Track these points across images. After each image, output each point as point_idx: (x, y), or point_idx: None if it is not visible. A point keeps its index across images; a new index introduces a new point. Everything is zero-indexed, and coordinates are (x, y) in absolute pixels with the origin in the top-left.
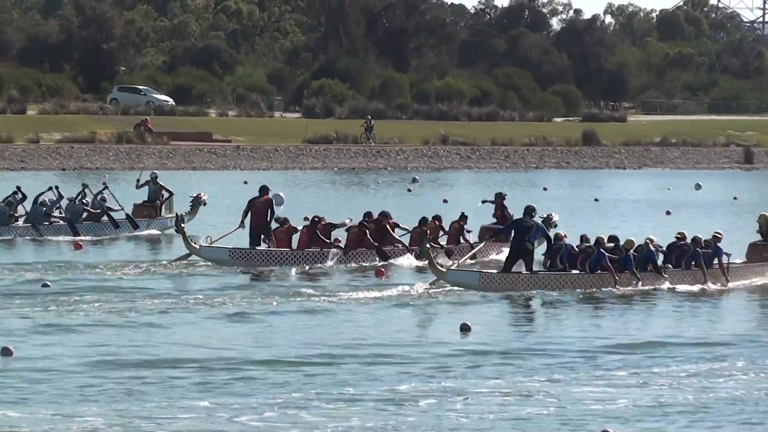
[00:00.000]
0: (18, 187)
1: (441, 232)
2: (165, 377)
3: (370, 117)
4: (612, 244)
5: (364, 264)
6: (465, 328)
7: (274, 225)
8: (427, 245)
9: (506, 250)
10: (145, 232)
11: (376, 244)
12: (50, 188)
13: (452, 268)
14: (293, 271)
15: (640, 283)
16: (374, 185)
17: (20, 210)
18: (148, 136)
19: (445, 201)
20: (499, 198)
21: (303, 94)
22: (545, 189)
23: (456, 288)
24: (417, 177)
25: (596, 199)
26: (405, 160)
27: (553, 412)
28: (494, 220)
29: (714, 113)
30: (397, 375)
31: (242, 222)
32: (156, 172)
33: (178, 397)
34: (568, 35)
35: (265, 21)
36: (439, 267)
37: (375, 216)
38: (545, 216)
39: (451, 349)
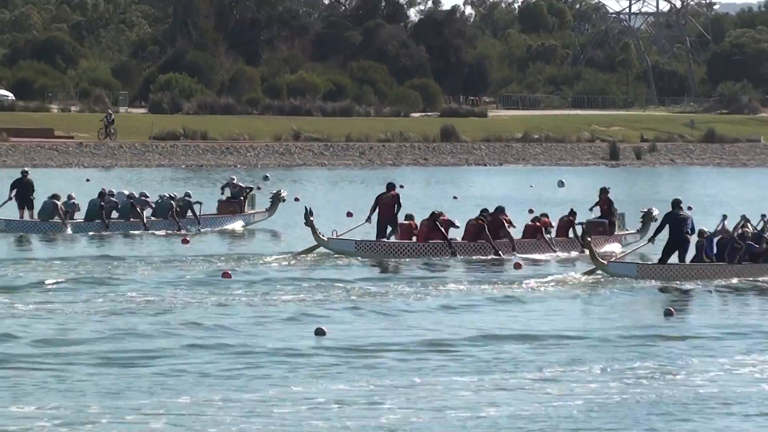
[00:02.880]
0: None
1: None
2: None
3: (110, 111)
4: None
5: (482, 257)
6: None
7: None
8: (588, 238)
9: (612, 243)
10: (230, 227)
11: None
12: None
13: (612, 260)
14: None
15: None
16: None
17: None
18: None
19: (455, 197)
20: (605, 193)
21: (149, 88)
22: (402, 186)
23: (616, 278)
24: (268, 175)
25: (455, 197)
26: (256, 158)
27: None
28: (598, 215)
29: (578, 108)
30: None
31: (369, 217)
32: (234, 177)
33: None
34: (427, 27)
35: (111, 13)
36: (600, 259)
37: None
38: (645, 210)
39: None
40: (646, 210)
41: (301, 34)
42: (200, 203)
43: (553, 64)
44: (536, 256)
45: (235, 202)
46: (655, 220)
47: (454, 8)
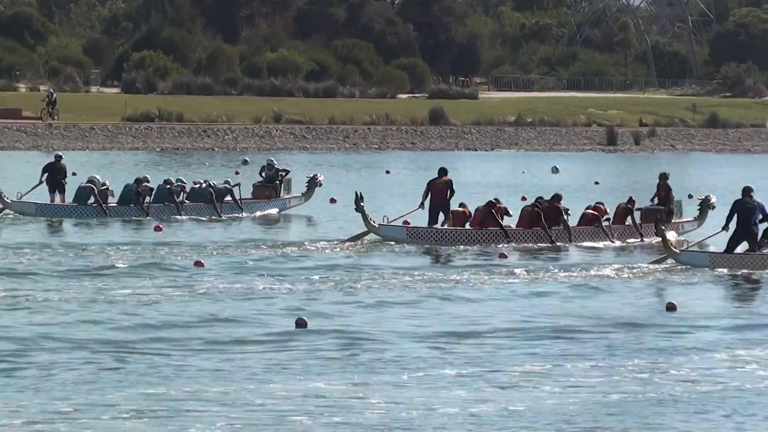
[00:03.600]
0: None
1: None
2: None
3: (52, 90)
4: None
5: (536, 245)
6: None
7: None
8: (662, 226)
9: (670, 231)
10: (266, 212)
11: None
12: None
13: (684, 249)
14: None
15: None
16: (203, 167)
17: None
18: None
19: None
20: (664, 179)
21: (122, 67)
22: (388, 172)
23: (687, 267)
24: (248, 159)
25: None
26: (234, 141)
27: None
28: (656, 202)
29: (574, 90)
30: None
31: (422, 203)
32: (273, 159)
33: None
34: (415, 3)
35: None
36: (673, 248)
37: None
38: (703, 197)
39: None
40: (703, 197)
41: (283, 10)
42: (239, 185)
43: (547, 44)
44: (593, 243)
45: (270, 187)
46: (713, 207)
47: None
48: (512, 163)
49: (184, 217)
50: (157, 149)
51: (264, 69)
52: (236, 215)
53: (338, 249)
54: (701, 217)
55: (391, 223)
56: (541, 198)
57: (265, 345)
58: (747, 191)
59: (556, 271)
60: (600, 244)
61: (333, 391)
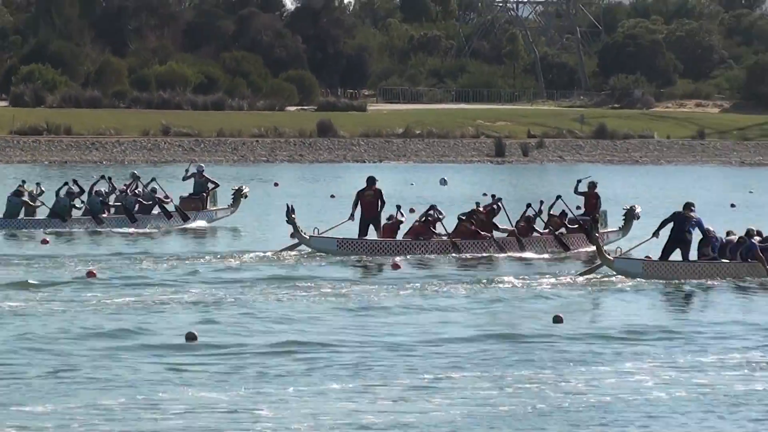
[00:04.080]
0: (74, 180)
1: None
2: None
3: None
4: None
5: (468, 255)
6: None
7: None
8: (597, 234)
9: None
10: (194, 225)
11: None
12: (102, 177)
13: (617, 256)
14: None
15: None
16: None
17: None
18: None
19: (332, 196)
20: (593, 187)
21: (11, 80)
22: (276, 185)
23: (619, 275)
24: (136, 172)
25: (332, 196)
26: (122, 153)
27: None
28: (582, 211)
29: (462, 102)
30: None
31: (352, 214)
32: (203, 165)
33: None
34: (303, 16)
35: None
36: (606, 255)
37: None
38: (628, 208)
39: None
40: (628, 207)
41: (171, 22)
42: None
43: (436, 56)
44: (527, 254)
45: (197, 199)
46: (638, 217)
47: None
48: (401, 175)
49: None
50: (46, 162)
51: (152, 82)
52: (162, 227)
53: (266, 260)
54: (626, 227)
55: (322, 235)
56: (475, 210)
57: (154, 357)
58: (688, 206)
59: (453, 283)
60: (531, 255)
61: (218, 403)
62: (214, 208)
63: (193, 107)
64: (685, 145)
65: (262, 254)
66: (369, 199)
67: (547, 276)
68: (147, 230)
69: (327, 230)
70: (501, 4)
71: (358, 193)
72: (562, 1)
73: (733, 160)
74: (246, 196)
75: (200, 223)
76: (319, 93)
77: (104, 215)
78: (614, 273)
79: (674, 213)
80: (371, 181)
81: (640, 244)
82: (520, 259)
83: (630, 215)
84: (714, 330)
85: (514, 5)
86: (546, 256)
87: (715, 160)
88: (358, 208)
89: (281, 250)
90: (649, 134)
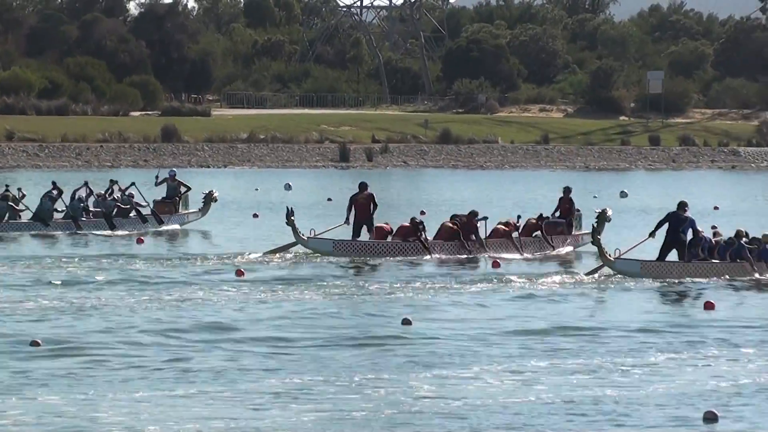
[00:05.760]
0: (54, 183)
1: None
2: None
3: None
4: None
5: (456, 256)
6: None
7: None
8: (598, 236)
9: (569, 244)
10: (168, 227)
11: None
12: (85, 183)
13: (617, 257)
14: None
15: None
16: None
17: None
18: None
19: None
20: (567, 192)
21: None
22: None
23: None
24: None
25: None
26: None
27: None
28: (558, 215)
29: (306, 107)
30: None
31: (347, 218)
32: (174, 170)
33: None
34: (147, 21)
35: None
36: (607, 256)
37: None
38: (600, 211)
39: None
40: (600, 210)
41: (15, 28)
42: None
43: (280, 61)
44: (506, 255)
45: (170, 202)
46: (609, 220)
47: (176, 1)
48: (245, 180)
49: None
50: None
51: None
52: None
53: (264, 260)
54: (597, 230)
55: (318, 236)
56: (456, 216)
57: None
58: (682, 206)
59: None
60: (511, 256)
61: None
62: (186, 212)
63: (37, 112)
64: (530, 150)
65: (256, 255)
66: (362, 202)
67: (553, 276)
68: (125, 233)
69: (323, 232)
70: (345, 9)
71: (352, 197)
72: (406, 6)
73: (578, 164)
74: (216, 200)
75: (174, 227)
76: (163, 98)
77: (83, 219)
78: (615, 273)
79: (669, 213)
80: (363, 186)
81: (638, 244)
82: (507, 259)
83: (602, 218)
84: (723, 325)
85: (359, 10)
86: (524, 255)
87: (560, 165)
88: (353, 211)
89: (276, 250)
90: (493, 139)
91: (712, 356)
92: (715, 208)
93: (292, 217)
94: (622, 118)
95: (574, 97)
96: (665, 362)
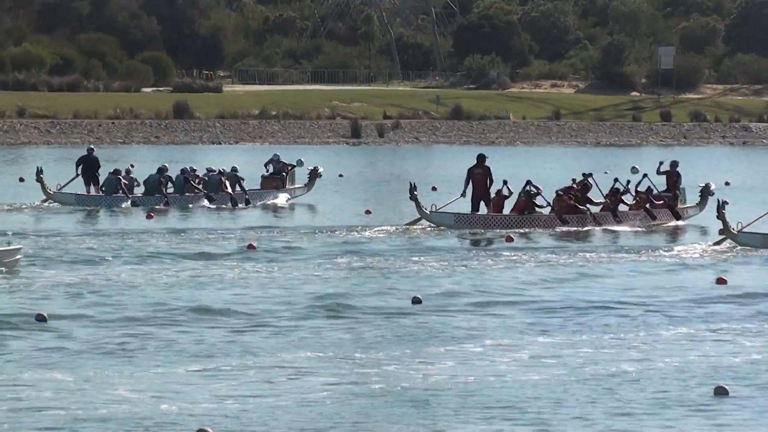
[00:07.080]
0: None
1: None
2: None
3: None
4: None
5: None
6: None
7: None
8: (723, 211)
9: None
10: (274, 201)
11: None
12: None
13: (740, 230)
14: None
15: None
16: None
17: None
18: None
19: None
20: (674, 166)
21: None
22: (132, 166)
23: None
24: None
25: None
26: None
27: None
28: (666, 188)
29: (318, 83)
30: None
31: (464, 191)
32: (278, 153)
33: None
34: None
35: None
36: (731, 229)
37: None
38: (704, 185)
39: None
40: (704, 185)
41: (26, 4)
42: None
43: (291, 37)
44: (619, 227)
45: (278, 178)
46: (713, 194)
47: None
48: (256, 156)
49: (210, 205)
50: None
51: (8, 63)
52: (243, 204)
53: (393, 232)
54: (702, 203)
55: (440, 210)
56: (571, 187)
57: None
58: None
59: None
60: (625, 228)
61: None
62: (293, 186)
63: (49, 89)
64: (541, 126)
65: (391, 228)
66: (479, 177)
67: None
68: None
69: (443, 206)
70: None
71: (469, 170)
72: None
73: (589, 140)
74: (321, 176)
75: (281, 200)
76: (175, 74)
77: (189, 194)
78: (738, 245)
79: None
80: (481, 158)
81: (760, 217)
82: (615, 231)
83: (706, 192)
84: None
85: None
86: (637, 228)
87: (571, 141)
88: (470, 185)
89: (407, 225)
90: (505, 115)
91: (723, 330)
92: (727, 183)
93: (416, 192)
94: (633, 93)
95: (585, 72)
96: (675, 337)
